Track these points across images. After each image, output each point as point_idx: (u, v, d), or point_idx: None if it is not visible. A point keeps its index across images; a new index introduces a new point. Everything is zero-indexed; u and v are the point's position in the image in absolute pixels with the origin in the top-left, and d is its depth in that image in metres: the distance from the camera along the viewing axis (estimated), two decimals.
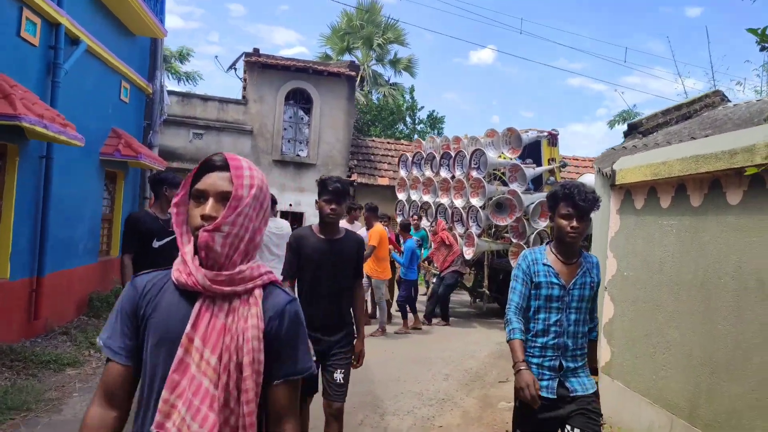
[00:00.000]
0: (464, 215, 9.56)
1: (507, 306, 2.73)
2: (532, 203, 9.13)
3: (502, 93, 67.08)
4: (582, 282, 2.63)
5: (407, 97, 27.33)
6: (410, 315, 8.73)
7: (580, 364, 2.65)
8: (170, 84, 26.43)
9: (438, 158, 10.64)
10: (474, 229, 9.34)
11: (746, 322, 3.00)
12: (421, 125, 27.09)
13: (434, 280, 9.97)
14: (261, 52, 14.95)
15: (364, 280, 8.24)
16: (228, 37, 69.75)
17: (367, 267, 7.58)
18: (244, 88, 14.60)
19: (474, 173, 9.37)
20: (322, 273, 3.25)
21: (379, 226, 7.94)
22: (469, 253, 9.30)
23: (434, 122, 27.02)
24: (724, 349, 3.15)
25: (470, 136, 10.22)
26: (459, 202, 9.71)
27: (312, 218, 13.74)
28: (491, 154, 9.37)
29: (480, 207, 9.14)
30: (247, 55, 14.47)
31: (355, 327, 3.49)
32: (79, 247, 7.58)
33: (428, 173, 10.88)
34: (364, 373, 6.23)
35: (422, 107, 24.77)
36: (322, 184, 3.25)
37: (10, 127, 5.16)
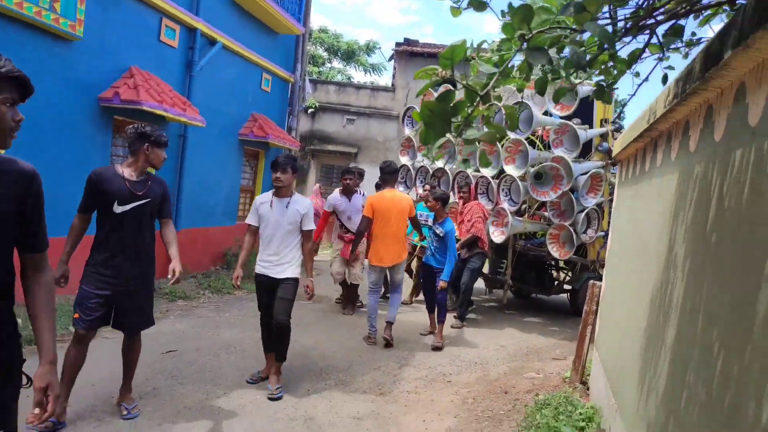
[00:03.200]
0: (494, 187, 7.70)
1: None
2: (583, 174, 7.41)
3: None
4: None
5: None
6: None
7: None
8: (357, 75, 28.75)
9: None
10: (507, 205, 7.51)
11: (641, 291, 2.94)
12: None
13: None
14: (418, 41, 15.83)
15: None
16: (441, 28, 72.59)
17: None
18: (394, 76, 15.63)
19: (511, 134, 7.30)
20: None
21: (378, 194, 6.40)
22: (499, 235, 7.53)
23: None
24: (632, 319, 3.10)
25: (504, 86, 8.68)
26: (487, 171, 7.76)
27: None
28: (535, 111, 7.39)
29: (518, 177, 7.30)
30: (397, 44, 15.46)
31: None
32: (216, 211, 9.27)
33: None
34: (416, 336, 6.71)
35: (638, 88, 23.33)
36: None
37: (150, 114, 6.70)
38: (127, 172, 3.58)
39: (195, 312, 6.79)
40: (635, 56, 1.85)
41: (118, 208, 3.48)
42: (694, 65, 1.84)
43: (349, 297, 7.60)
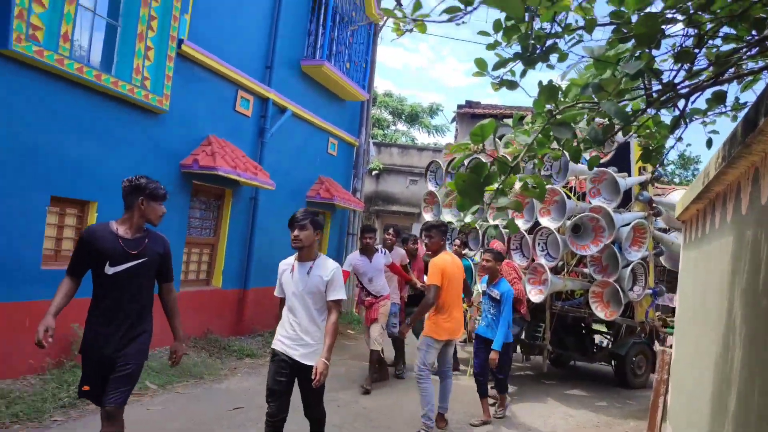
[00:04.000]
0: (529, 241, 7.08)
1: None
2: (624, 226, 6.85)
3: None
4: None
5: None
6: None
7: None
8: (421, 136, 29.37)
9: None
10: (545, 260, 6.87)
11: (706, 356, 2.83)
12: (671, 165, 24.81)
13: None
14: (479, 103, 16.18)
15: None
16: (506, 90, 74.06)
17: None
18: (456, 138, 15.91)
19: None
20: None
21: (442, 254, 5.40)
22: (536, 294, 6.85)
23: (686, 162, 24.49)
24: (699, 387, 2.97)
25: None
26: (520, 223, 7.14)
27: None
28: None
29: (555, 229, 6.74)
30: (459, 107, 15.83)
31: None
32: None
33: None
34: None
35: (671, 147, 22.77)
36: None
37: (225, 178, 7.22)
38: (121, 229, 3.22)
39: (261, 370, 6.94)
40: (676, 122, 1.90)
41: (109, 269, 3.14)
42: (737, 130, 1.86)
43: (371, 368, 6.68)
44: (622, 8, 1.61)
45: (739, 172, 2.19)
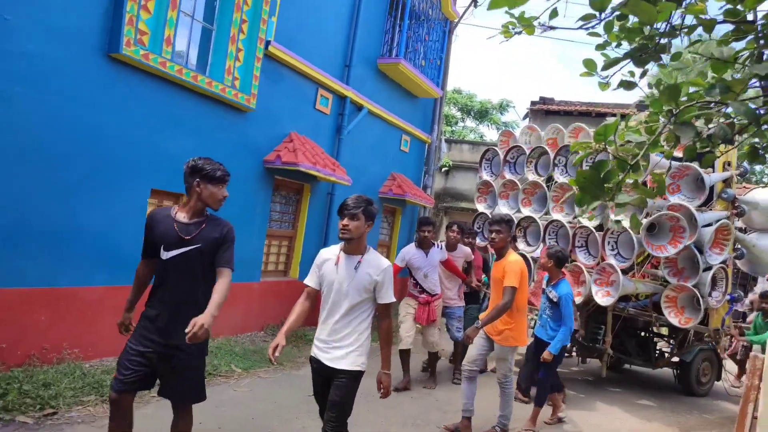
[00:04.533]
0: (598, 239, 6.66)
1: None
2: (706, 226, 6.38)
3: None
4: None
5: None
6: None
7: None
8: (490, 133, 28.99)
9: (552, 155, 7.30)
10: (615, 261, 6.51)
11: None
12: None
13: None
14: (553, 99, 15.88)
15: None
16: (578, 85, 71.80)
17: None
18: None
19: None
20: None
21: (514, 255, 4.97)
22: (604, 297, 6.48)
23: None
24: None
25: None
26: (587, 220, 6.84)
27: None
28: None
29: (630, 228, 6.26)
30: (532, 103, 15.59)
31: None
32: None
33: (532, 176, 7.57)
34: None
35: None
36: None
37: (305, 174, 7.51)
38: (180, 214, 3.06)
39: None
40: None
41: (164, 254, 2.98)
42: None
43: (432, 368, 6.56)
44: (739, 6, 1.61)
45: None
